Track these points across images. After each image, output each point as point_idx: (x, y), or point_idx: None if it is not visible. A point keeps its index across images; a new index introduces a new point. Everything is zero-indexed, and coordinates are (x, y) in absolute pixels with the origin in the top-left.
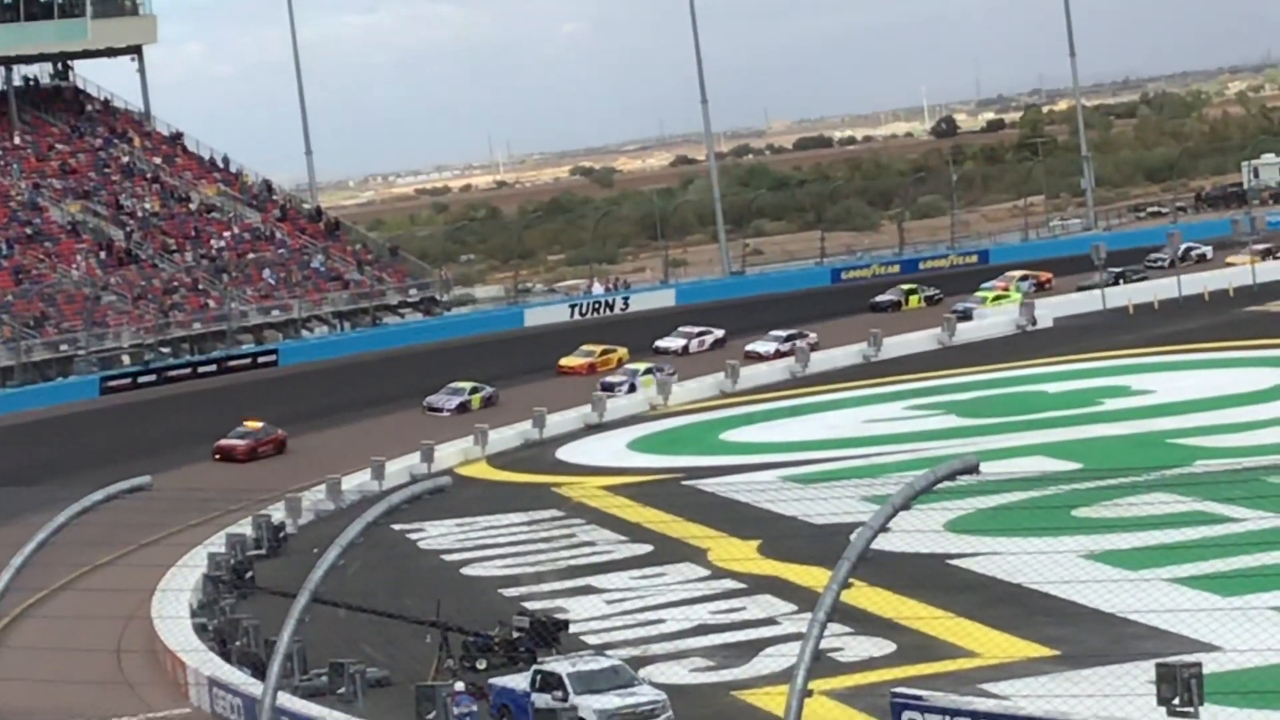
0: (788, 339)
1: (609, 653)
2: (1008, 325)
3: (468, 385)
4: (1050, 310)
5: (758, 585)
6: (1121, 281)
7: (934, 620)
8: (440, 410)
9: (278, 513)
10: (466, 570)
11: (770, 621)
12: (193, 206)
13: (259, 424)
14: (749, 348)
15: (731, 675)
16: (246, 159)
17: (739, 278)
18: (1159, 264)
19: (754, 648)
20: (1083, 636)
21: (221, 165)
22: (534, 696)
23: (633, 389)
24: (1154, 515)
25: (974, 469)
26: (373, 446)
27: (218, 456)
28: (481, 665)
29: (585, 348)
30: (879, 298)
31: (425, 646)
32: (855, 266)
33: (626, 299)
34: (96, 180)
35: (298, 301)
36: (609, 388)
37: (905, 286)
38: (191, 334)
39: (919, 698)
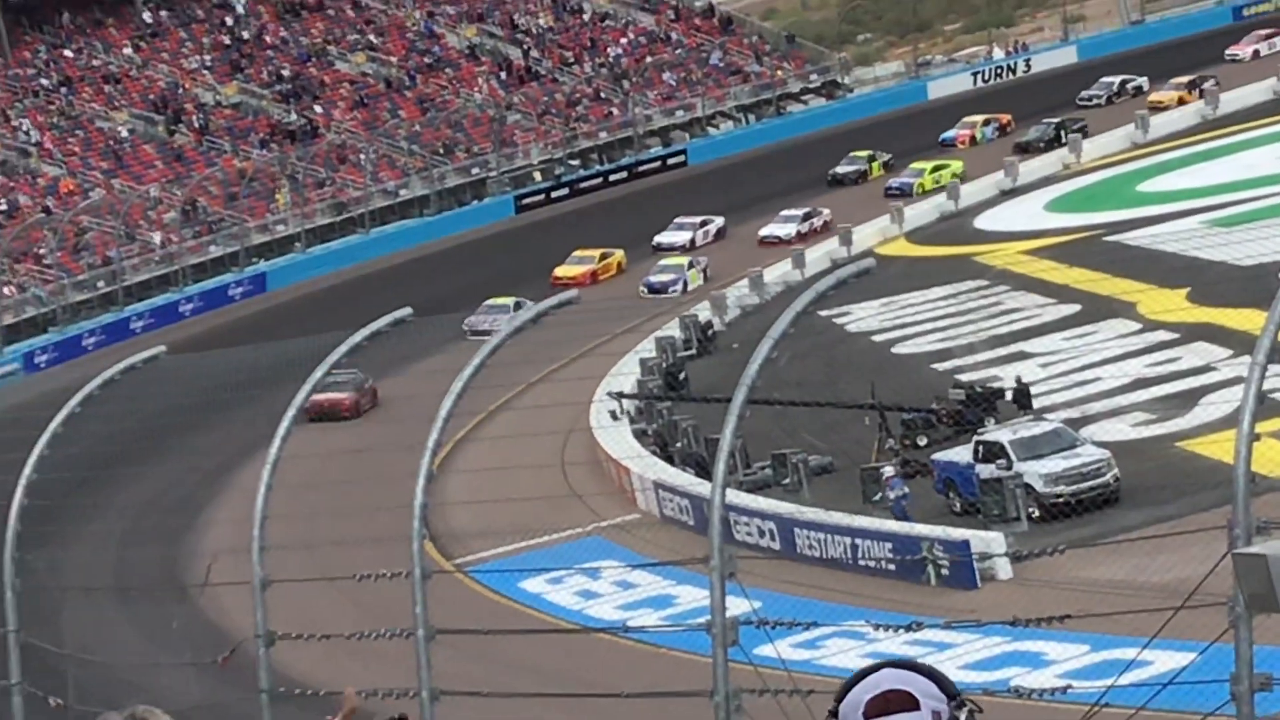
0: (805, 218)
1: (1048, 416)
2: None
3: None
4: None
5: (1191, 334)
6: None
7: None
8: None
9: (703, 312)
10: (897, 349)
11: (1207, 369)
12: (586, 17)
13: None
14: (763, 232)
15: (1174, 427)
16: None
17: (1139, 26)
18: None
19: (1193, 397)
20: None
21: None
22: (977, 467)
23: (685, 286)
24: None
25: None
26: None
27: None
28: (923, 442)
29: (579, 254)
30: (838, 169)
31: (865, 429)
32: (1256, 2)
33: (1028, 60)
34: (488, 2)
35: (700, 100)
36: (658, 289)
37: (861, 154)
38: (599, 144)
39: None
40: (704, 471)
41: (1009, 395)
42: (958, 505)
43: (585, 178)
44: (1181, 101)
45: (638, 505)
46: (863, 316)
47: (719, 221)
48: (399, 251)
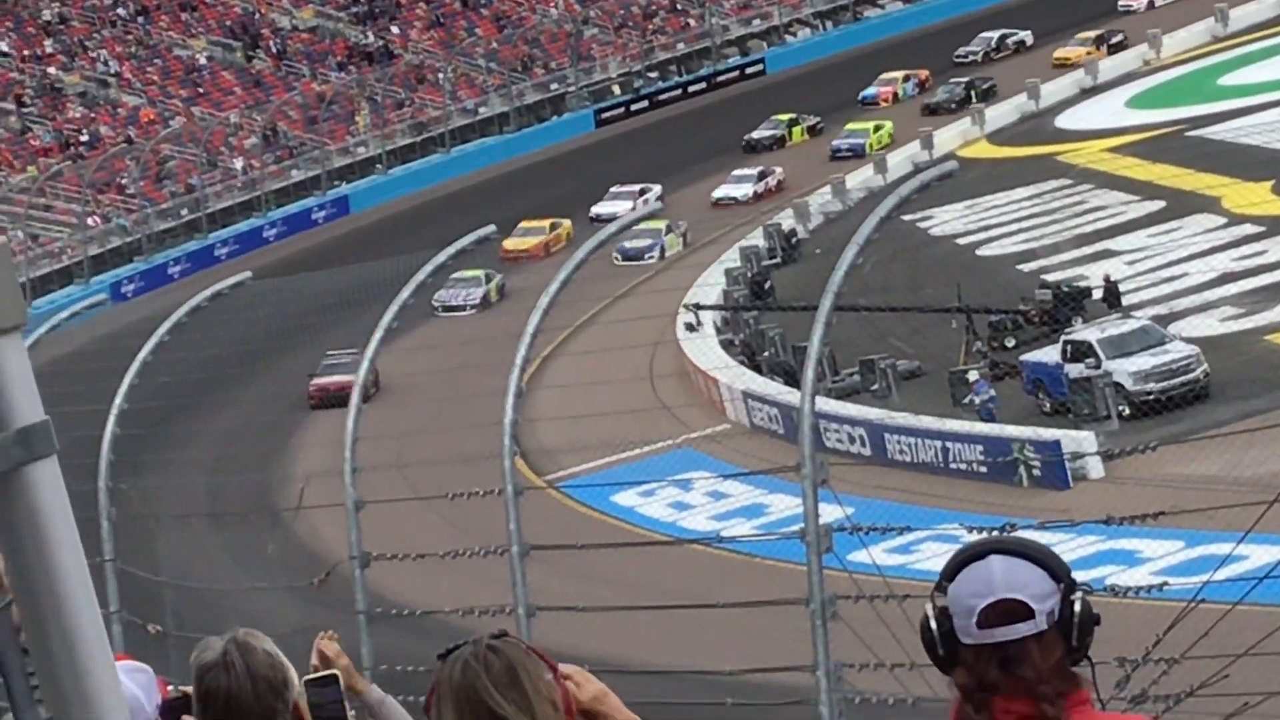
0: (760, 177)
1: (1135, 314)
2: None
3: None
4: None
5: (1277, 226)
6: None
7: None
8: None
9: (787, 220)
10: (981, 251)
11: None
12: None
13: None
14: (717, 194)
15: (1262, 320)
16: None
17: None
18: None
19: None
20: None
21: None
22: (1066, 367)
23: (662, 252)
24: None
25: None
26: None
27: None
28: (1010, 343)
29: (526, 225)
30: (754, 134)
31: (952, 332)
32: None
33: None
34: None
35: (777, 8)
36: (634, 256)
37: (782, 117)
38: (676, 55)
39: None
40: (792, 380)
41: (1096, 294)
42: (1048, 405)
43: (664, 90)
44: (1089, 58)
45: (727, 415)
46: (947, 219)
47: (657, 189)
48: (480, 170)
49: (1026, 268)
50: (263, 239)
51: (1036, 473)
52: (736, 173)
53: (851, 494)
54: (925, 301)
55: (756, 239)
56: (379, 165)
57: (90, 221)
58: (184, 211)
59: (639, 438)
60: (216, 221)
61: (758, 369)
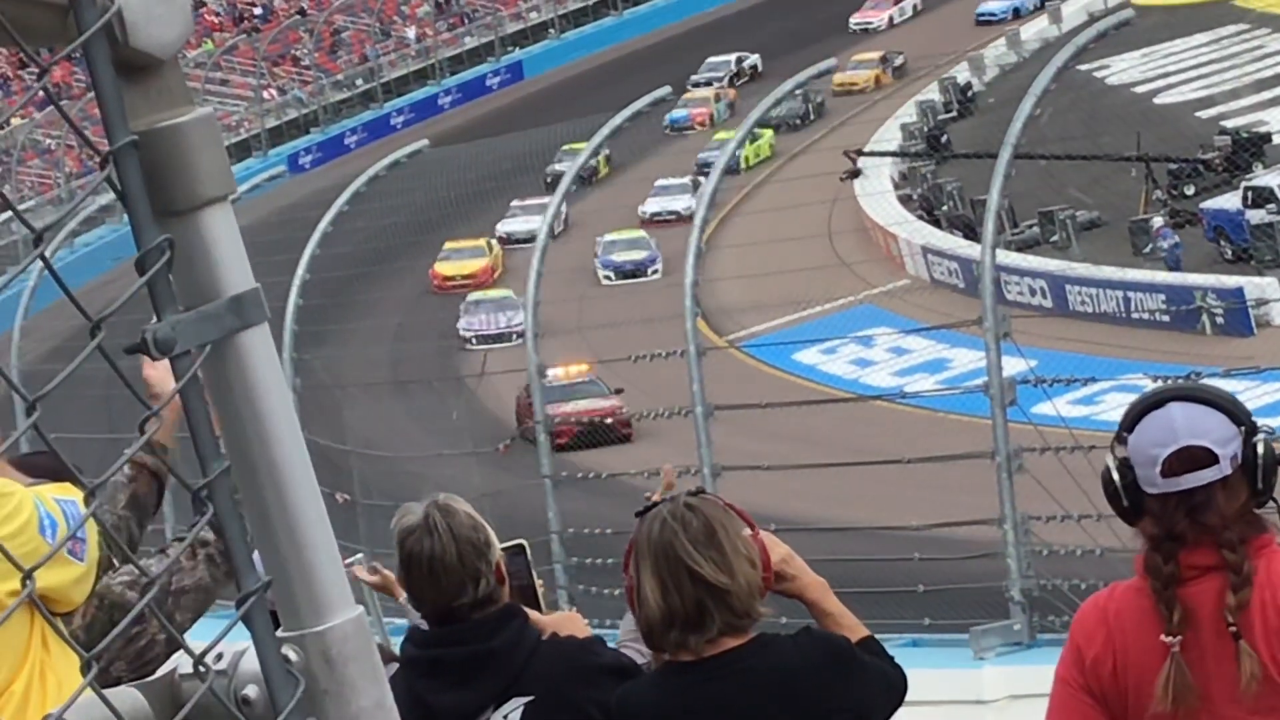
0: (695, 186)
1: None
2: None
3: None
4: None
5: None
6: None
7: None
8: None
9: (962, 73)
10: (1159, 99)
11: None
12: None
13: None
14: (648, 209)
15: None
16: None
17: None
18: None
19: None
20: None
21: None
22: (1247, 213)
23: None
24: None
25: None
26: None
27: None
28: (1190, 191)
29: (453, 246)
30: (556, 166)
31: (1131, 181)
32: None
33: None
34: None
35: None
36: (633, 272)
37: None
38: None
39: None
40: (972, 233)
41: (1276, 139)
42: (1229, 252)
43: None
44: (879, 82)
45: (907, 271)
46: (1123, 68)
47: (565, 212)
48: (653, 31)
49: (1205, 114)
50: (437, 107)
51: (1219, 320)
52: (660, 182)
53: (1034, 346)
54: (1103, 151)
55: (932, 93)
56: (552, 30)
57: (266, 94)
58: (359, 82)
59: (819, 295)
60: (391, 91)
61: (936, 223)
